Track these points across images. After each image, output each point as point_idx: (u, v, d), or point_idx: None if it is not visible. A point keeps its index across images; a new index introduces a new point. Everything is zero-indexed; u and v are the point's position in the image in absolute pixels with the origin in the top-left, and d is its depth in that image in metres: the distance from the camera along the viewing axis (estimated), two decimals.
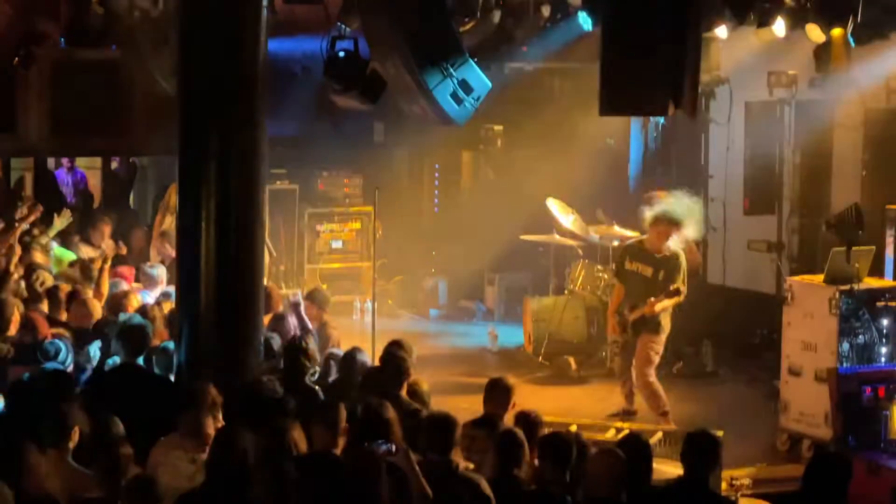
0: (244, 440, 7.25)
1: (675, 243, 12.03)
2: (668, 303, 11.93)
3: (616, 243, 14.34)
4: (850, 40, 11.98)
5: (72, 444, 7.77)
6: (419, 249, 17.82)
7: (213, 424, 7.99)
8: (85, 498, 7.34)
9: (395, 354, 9.45)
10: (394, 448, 7.28)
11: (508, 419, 8.67)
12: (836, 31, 11.71)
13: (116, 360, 9.74)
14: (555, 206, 15.14)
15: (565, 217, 15.05)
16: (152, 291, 12.51)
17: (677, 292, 11.92)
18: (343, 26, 11.31)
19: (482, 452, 7.89)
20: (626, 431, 9.69)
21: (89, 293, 11.32)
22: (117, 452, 7.53)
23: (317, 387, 9.59)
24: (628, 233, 13.94)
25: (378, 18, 10.91)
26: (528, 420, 8.47)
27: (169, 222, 14.50)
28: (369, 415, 7.95)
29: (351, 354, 10.03)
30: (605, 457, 7.12)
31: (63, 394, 8.55)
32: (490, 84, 11.11)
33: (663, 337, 12.20)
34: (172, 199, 13.78)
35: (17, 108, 14.42)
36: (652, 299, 11.84)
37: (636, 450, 7.59)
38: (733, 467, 10.06)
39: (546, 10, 13.09)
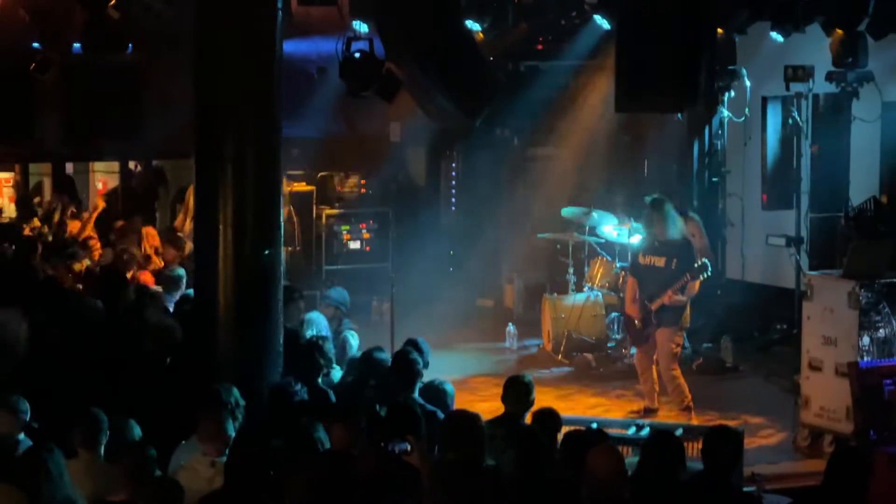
0: (264, 443, 7.26)
1: (680, 229, 12.11)
2: (695, 285, 11.96)
3: (635, 238, 14.34)
4: (867, 35, 11.97)
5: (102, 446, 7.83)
6: (437, 249, 17.82)
7: (234, 427, 7.99)
8: (111, 500, 7.36)
9: (407, 354, 9.45)
10: (409, 448, 7.28)
11: (528, 417, 8.66)
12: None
13: None
14: (571, 212, 15.18)
15: (585, 217, 15.08)
16: (174, 294, 12.53)
17: (703, 268, 11.92)
18: (359, 24, 11.31)
19: (502, 451, 7.88)
20: (647, 429, 9.68)
21: None
22: (141, 454, 7.54)
23: (329, 388, 9.62)
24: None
25: (391, 19, 10.91)
26: (547, 418, 8.45)
27: (189, 225, 14.54)
28: (395, 413, 7.96)
29: (369, 354, 10.03)
30: (602, 454, 7.06)
31: (93, 395, 8.60)
32: (504, 83, 11.11)
33: (682, 330, 12.30)
34: (191, 201, 13.81)
35: (34, 113, 14.43)
36: (672, 289, 11.86)
37: (667, 446, 7.52)
38: (754, 463, 10.05)
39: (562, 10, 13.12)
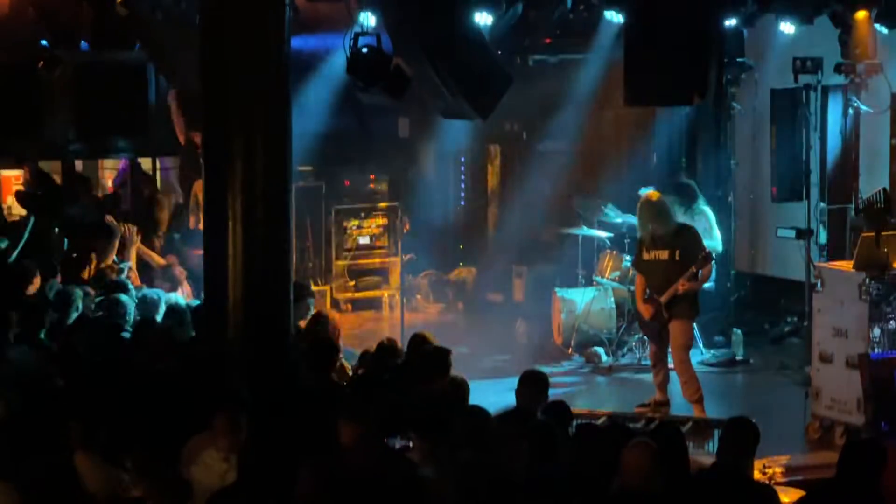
0: (277, 438, 7.26)
1: (676, 220, 12.17)
2: (705, 272, 12.00)
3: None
4: (879, 27, 11.94)
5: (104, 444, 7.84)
6: (446, 243, 17.82)
7: (246, 422, 8.00)
8: (121, 498, 7.37)
9: (421, 350, 9.43)
10: (410, 444, 7.27)
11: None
12: (861, 15, 11.68)
13: None
14: (582, 204, 15.19)
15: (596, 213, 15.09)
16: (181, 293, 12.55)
17: (708, 257, 11.94)
18: (366, 19, 11.31)
19: (513, 446, 7.87)
20: (657, 422, 9.67)
21: None
22: (150, 453, 7.55)
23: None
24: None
25: (398, 13, 10.91)
26: (558, 411, 8.44)
27: (193, 221, 14.54)
28: (396, 409, 7.96)
29: (381, 349, 10.03)
30: (638, 449, 7.09)
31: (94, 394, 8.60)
32: (512, 78, 11.10)
33: (694, 320, 12.35)
34: (199, 198, 13.82)
35: (43, 111, 14.46)
36: (681, 280, 11.87)
37: (670, 440, 7.52)
38: (765, 455, 10.03)
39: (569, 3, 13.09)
